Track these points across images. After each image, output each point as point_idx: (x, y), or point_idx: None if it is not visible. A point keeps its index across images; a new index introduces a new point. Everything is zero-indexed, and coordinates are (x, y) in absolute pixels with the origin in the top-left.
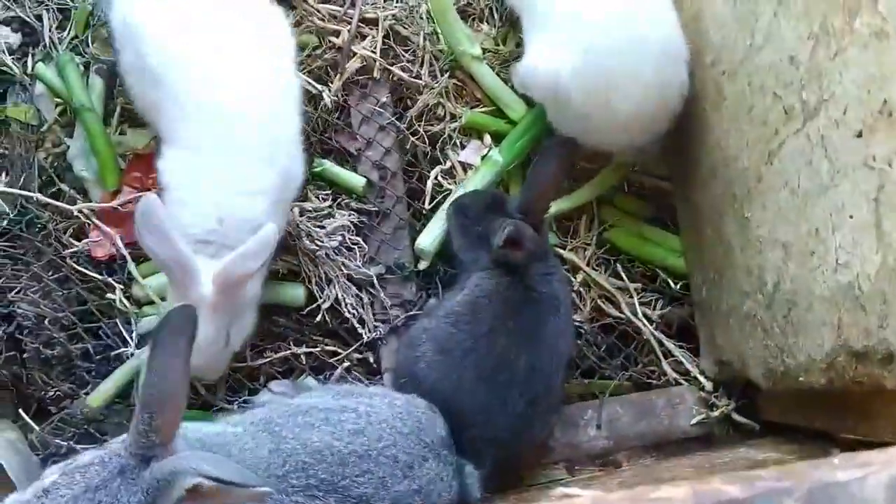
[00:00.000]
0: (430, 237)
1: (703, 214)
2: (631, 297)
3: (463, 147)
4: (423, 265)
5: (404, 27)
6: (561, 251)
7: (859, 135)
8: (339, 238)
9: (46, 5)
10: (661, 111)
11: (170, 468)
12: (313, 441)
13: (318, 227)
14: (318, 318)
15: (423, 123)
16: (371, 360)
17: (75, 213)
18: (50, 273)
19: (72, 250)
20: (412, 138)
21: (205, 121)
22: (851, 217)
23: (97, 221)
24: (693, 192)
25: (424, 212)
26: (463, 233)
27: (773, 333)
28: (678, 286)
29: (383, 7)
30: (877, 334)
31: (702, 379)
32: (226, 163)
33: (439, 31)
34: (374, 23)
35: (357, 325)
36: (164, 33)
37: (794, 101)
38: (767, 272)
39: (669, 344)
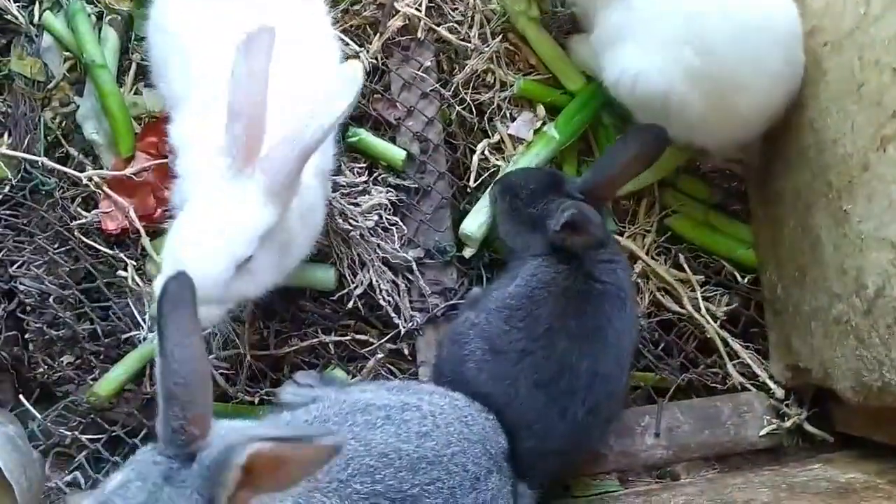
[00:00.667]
0: (476, 221)
1: (786, 203)
2: (693, 290)
3: (513, 119)
4: (468, 252)
5: None
6: (618, 238)
7: None
8: (376, 218)
9: None
10: (786, 98)
11: (220, 448)
12: (377, 442)
13: (353, 204)
14: (350, 304)
15: (469, 91)
16: (406, 351)
17: (85, 181)
18: (55, 245)
19: (80, 221)
20: (458, 107)
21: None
22: None
23: (109, 191)
24: (774, 177)
25: (469, 190)
26: (513, 215)
27: (872, 343)
28: (746, 280)
29: None
30: None
31: (772, 385)
32: None
33: None
34: None
35: (392, 314)
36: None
37: None
38: (869, 274)
39: (735, 344)
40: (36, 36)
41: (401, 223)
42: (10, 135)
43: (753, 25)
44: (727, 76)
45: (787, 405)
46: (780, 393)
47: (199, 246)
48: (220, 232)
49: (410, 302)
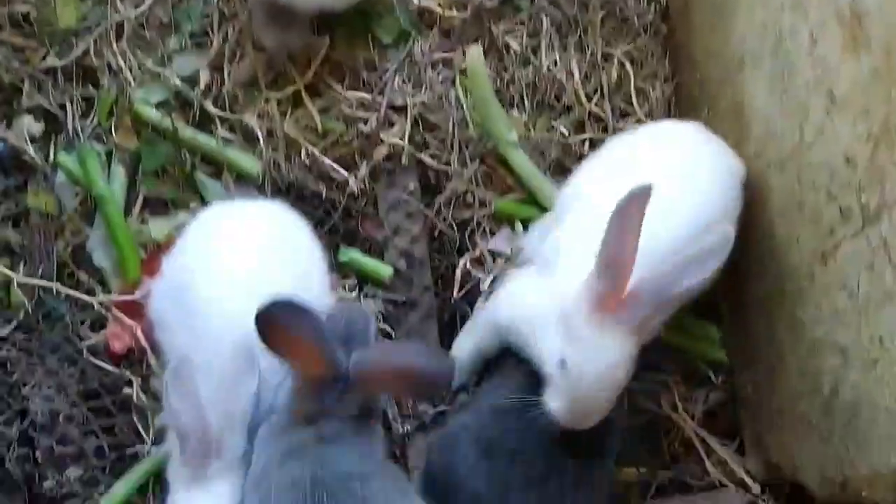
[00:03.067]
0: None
1: (751, 308)
2: (671, 390)
3: (493, 234)
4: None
5: (433, 114)
6: None
7: None
8: None
9: (70, 94)
10: None
11: None
12: None
13: None
14: None
15: (451, 210)
16: (397, 454)
17: (96, 305)
18: (65, 366)
19: (88, 343)
20: (441, 225)
21: None
22: None
23: (117, 313)
24: (739, 284)
25: (453, 301)
26: None
27: (832, 442)
28: (720, 380)
29: (412, 94)
30: None
31: (748, 480)
32: None
33: (471, 117)
34: (402, 110)
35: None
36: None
37: (852, 202)
38: (824, 376)
39: (713, 442)
40: (51, 173)
41: (390, 330)
42: (25, 264)
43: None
44: None
45: (763, 500)
46: (756, 488)
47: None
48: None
49: (399, 409)
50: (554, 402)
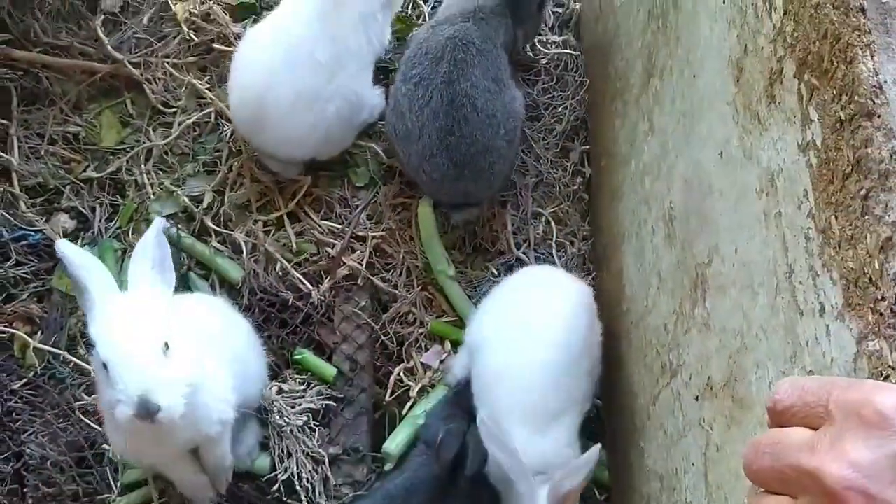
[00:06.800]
0: (395, 442)
1: (621, 436)
2: None
3: (426, 350)
4: (387, 467)
5: (388, 246)
6: None
7: (696, 398)
8: (305, 418)
9: (101, 200)
10: None
11: None
12: None
13: (290, 405)
14: (276, 487)
15: (394, 326)
16: None
17: (92, 373)
18: (60, 420)
19: (81, 403)
20: (383, 338)
21: None
22: (693, 465)
23: None
24: (611, 414)
25: (384, 402)
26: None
27: None
28: (604, 497)
29: (373, 228)
30: None
31: None
32: None
33: (418, 252)
34: (363, 240)
35: (306, 501)
36: None
37: (666, 359)
38: (652, 498)
39: None
40: None
41: (324, 427)
42: (42, 333)
43: None
44: None
45: None
46: None
47: None
48: None
49: (325, 490)
50: None
